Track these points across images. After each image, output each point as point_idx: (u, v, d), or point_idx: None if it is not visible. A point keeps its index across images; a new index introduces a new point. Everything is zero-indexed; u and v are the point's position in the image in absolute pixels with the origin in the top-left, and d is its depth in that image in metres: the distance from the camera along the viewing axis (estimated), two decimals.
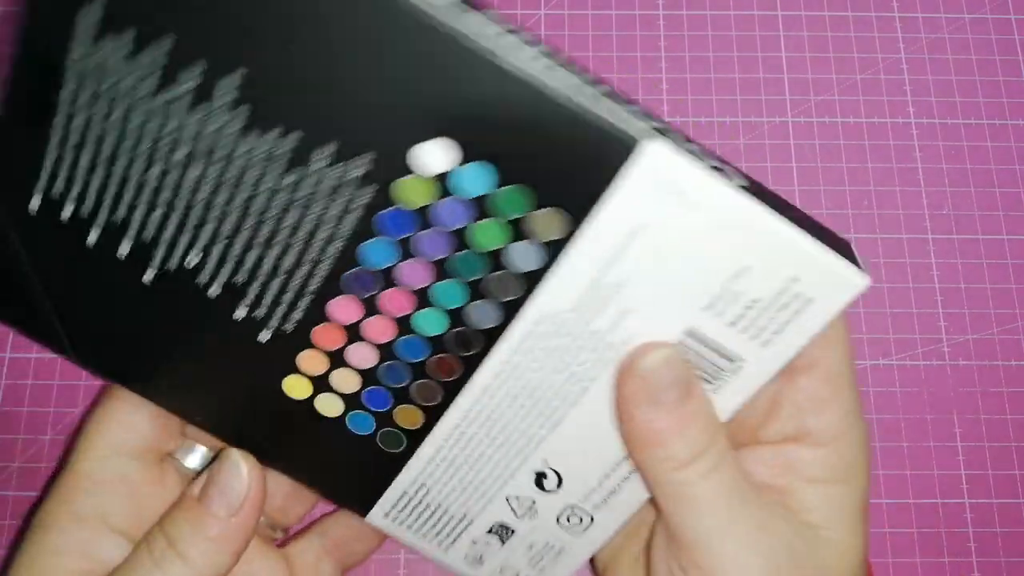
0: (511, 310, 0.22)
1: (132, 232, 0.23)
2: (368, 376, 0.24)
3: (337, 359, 0.24)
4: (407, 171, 0.20)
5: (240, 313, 0.23)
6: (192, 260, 0.23)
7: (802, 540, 0.22)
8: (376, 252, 0.22)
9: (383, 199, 0.21)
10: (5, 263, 0.24)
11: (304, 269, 0.22)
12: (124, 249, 0.23)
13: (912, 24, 0.43)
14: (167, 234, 0.23)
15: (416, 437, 0.25)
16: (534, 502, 0.26)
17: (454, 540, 0.28)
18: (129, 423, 0.27)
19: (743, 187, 0.21)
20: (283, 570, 0.29)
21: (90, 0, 0.19)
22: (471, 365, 0.23)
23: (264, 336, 0.24)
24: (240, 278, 0.23)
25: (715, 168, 0.21)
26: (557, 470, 0.25)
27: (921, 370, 0.39)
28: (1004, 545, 0.36)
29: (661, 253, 0.21)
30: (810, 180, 0.41)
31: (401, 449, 0.26)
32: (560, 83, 0.19)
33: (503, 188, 0.20)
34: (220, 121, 0.21)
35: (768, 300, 0.21)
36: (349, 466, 0.27)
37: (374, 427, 0.25)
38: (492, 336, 0.23)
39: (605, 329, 0.22)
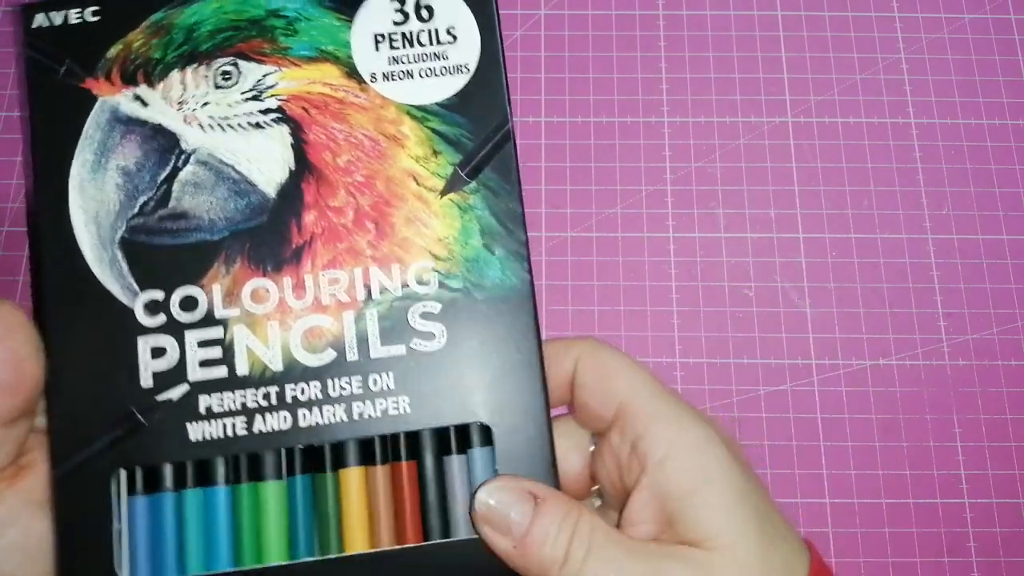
0: None
1: None
2: None
3: None
4: None
5: None
6: None
7: (695, 564, 0.23)
8: None
9: None
10: None
11: None
12: None
13: (912, 24, 0.43)
14: None
15: None
16: None
17: None
18: None
19: None
20: None
21: None
22: None
23: None
24: None
25: None
26: None
27: (921, 370, 0.39)
28: (1004, 545, 0.36)
29: None
30: (810, 180, 0.41)
31: None
32: None
33: None
34: None
35: None
36: None
37: None
38: None
39: None
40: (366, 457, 0.25)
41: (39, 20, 0.26)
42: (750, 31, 0.43)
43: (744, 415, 0.38)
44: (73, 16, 0.27)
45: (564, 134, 0.41)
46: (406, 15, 0.27)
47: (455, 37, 0.27)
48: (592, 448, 0.27)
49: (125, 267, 0.25)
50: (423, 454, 0.25)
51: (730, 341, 0.39)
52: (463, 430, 0.25)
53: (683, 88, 0.42)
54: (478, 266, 0.26)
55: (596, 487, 0.27)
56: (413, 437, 0.25)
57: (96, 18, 0.27)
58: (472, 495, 0.24)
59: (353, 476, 0.25)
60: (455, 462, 0.25)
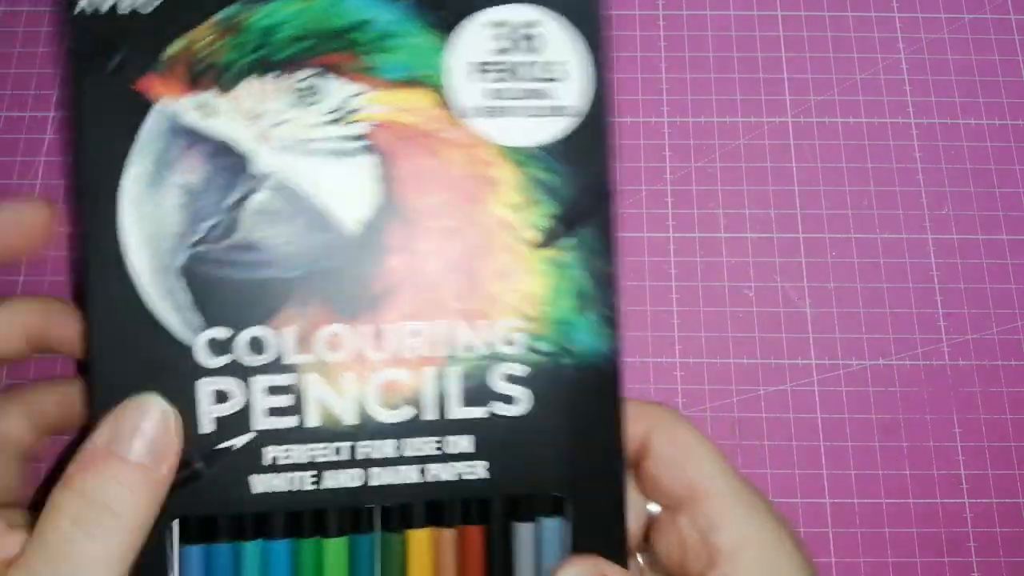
0: None
1: None
2: None
3: None
4: None
5: None
6: None
7: None
8: None
9: None
10: None
11: None
12: None
13: (912, 24, 0.43)
14: None
15: None
16: None
17: None
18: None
19: None
20: None
21: None
22: None
23: None
24: None
25: None
26: None
27: (921, 370, 0.39)
28: (1004, 545, 0.36)
29: None
30: (810, 180, 0.41)
31: None
32: None
33: None
34: None
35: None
36: None
37: None
38: None
39: None
40: (436, 518, 0.24)
41: (83, 4, 0.22)
42: (750, 31, 0.43)
43: (744, 415, 0.38)
44: (124, 3, 0.23)
45: None
46: (510, 43, 0.24)
47: (562, 74, 0.24)
48: (648, 513, 0.27)
49: (186, 299, 0.22)
50: (494, 520, 0.24)
51: (730, 341, 0.39)
52: (535, 497, 0.24)
53: (683, 88, 0.42)
54: (568, 329, 0.24)
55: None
56: (484, 501, 0.24)
57: (151, 8, 0.23)
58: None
59: (421, 538, 0.24)
60: (525, 531, 0.24)
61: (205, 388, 0.22)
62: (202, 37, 0.23)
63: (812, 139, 0.41)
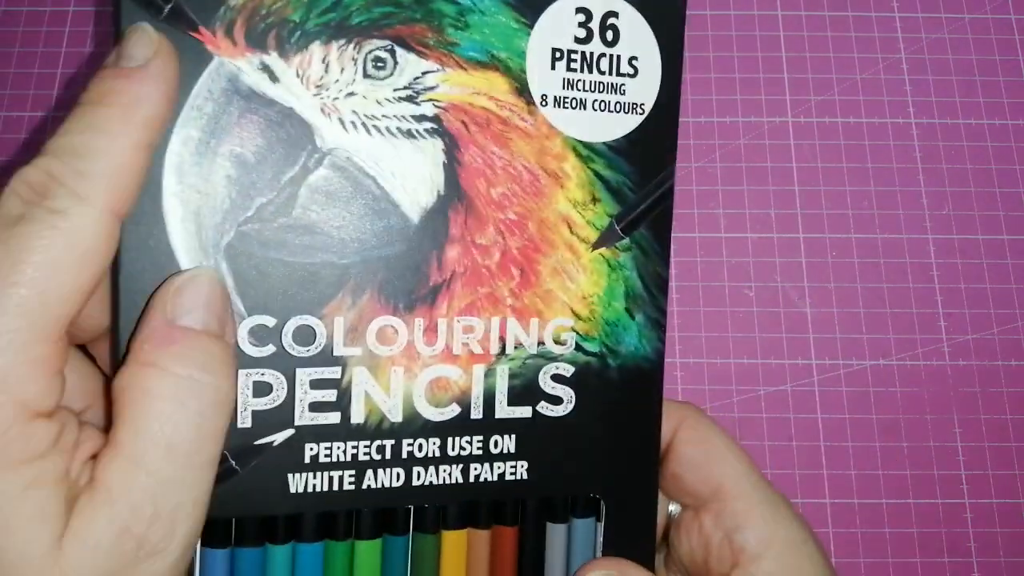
0: None
1: None
2: None
3: None
4: None
5: None
6: None
7: None
8: None
9: None
10: None
11: None
12: None
13: (912, 24, 0.43)
14: None
15: None
16: None
17: None
18: None
19: None
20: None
21: None
22: None
23: None
24: None
25: None
26: None
27: (921, 370, 0.39)
28: (1004, 545, 0.36)
29: None
30: (810, 180, 0.41)
31: None
32: None
33: None
34: None
35: None
36: None
37: None
38: None
39: None
40: (470, 518, 0.23)
41: None
42: (750, 31, 0.43)
43: (744, 415, 0.38)
44: None
45: None
46: (590, 32, 0.23)
47: (636, 70, 0.24)
48: (671, 511, 0.27)
49: (230, 281, 0.21)
50: (527, 520, 0.24)
51: (730, 341, 0.39)
52: (570, 498, 0.24)
53: (683, 88, 0.42)
54: (616, 330, 0.24)
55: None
56: (518, 501, 0.24)
57: None
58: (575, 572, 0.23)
59: (456, 539, 0.23)
60: (558, 532, 0.24)
61: (244, 379, 0.21)
62: None
63: (812, 139, 0.41)
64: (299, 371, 0.21)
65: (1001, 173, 0.41)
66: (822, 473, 0.37)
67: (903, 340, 0.39)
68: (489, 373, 0.23)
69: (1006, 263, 0.40)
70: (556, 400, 0.24)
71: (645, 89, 0.24)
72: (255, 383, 0.21)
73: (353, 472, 0.22)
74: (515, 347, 0.23)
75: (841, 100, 0.42)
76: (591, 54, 0.24)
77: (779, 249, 0.40)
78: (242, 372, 0.21)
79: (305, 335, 0.21)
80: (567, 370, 0.24)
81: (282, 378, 0.21)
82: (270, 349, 0.21)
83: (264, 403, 0.21)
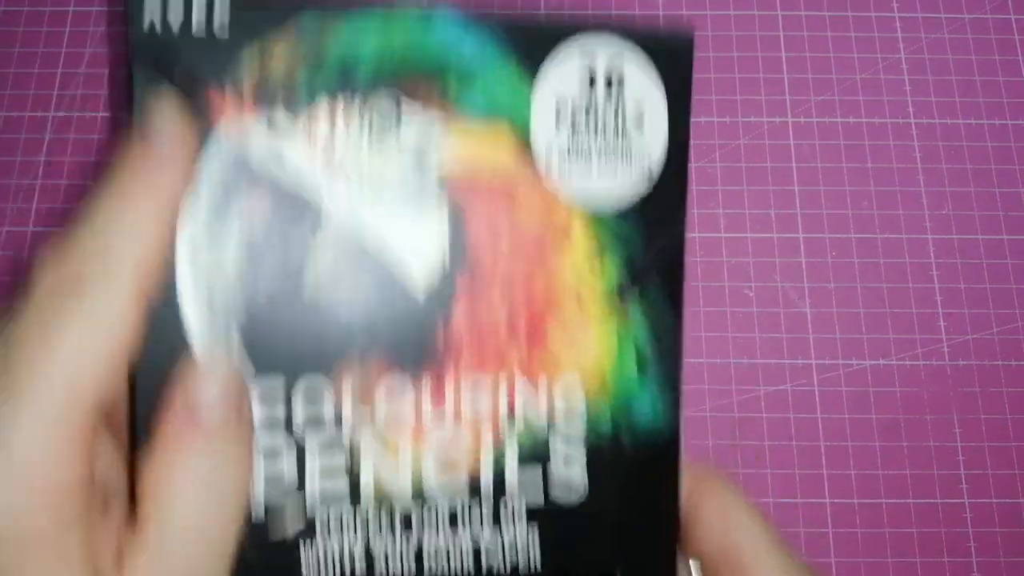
0: None
1: None
2: None
3: None
4: None
5: None
6: None
7: None
8: None
9: None
10: None
11: None
12: None
13: (912, 24, 0.43)
14: None
15: None
16: None
17: None
18: None
19: None
20: None
21: None
22: None
23: None
24: None
25: None
26: None
27: (921, 370, 0.39)
28: (1004, 545, 0.36)
29: None
30: (810, 180, 0.41)
31: None
32: None
33: None
34: None
35: None
36: None
37: None
38: None
39: None
40: None
41: (150, 18, 0.20)
42: (750, 31, 0.43)
43: (744, 415, 0.38)
44: (198, 22, 0.21)
45: None
46: (595, 91, 0.23)
47: (643, 127, 0.24)
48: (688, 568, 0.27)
49: (240, 347, 0.21)
50: None
51: (730, 341, 0.39)
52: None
53: None
54: (628, 388, 0.23)
55: None
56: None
57: (228, 33, 0.21)
58: None
59: None
60: None
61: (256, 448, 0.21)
62: (277, 56, 0.21)
63: (812, 139, 0.41)
64: (307, 433, 0.21)
65: (1001, 173, 0.41)
66: (822, 473, 0.37)
67: (903, 340, 0.39)
68: (499, 454, 0.23)
69: (1006, 263, 0.40)
70: (569, 486, 0.23)
71: (652, 147, 0.24)
72: (264, 446, 0.21)
73: (366, 560, 0.22)
74: (524, 412, 0.23)
75: (841, 100, 0.42)
76: (597, 112, 0.23)
77: (779, 249, 0.40)
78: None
79: (313, 395, 0.21)
80: (579, 454, 0.23)
81: (289, 440, 0.21)
82: (279, 410, 0.21)
83: (273, 467, 0.21)
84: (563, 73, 0.23)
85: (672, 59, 0.24)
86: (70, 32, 0.42)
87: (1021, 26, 0.43)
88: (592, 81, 0.23)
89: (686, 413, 0.38)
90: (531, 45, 0.23)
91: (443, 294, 0.22)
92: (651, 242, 0.24)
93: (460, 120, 0.22)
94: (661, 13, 0.44)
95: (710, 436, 0.38)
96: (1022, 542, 0.36)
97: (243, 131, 0.21)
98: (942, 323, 0.39)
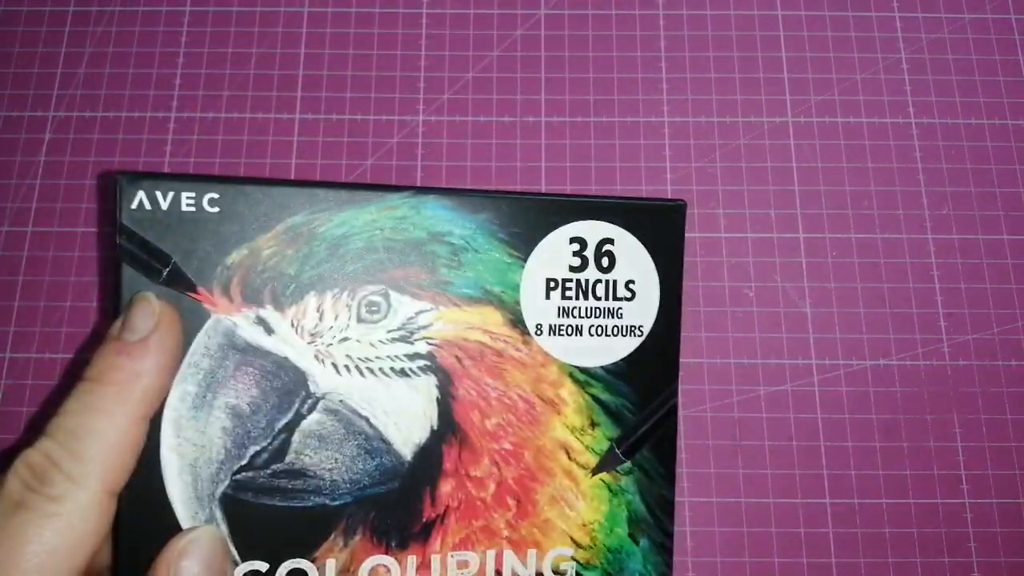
0: None
1: None
2: None
3: None
4: None
5: None
6: None
7: None
8: None
9: None
10: None
11: None
12: None
13: (912, 24, 0.43)
14: None
15: None
16: None
17: None
18: None
19: None
20: None
21: None
22: None
23: None
24: None
25: None
26: None
27: (921, 370, 0.39)
28: (1004, 545, 0.36)
29: None
30: (810, 180, 0.41)
31: None
32: None
33: None
34: None
35: None
36: None
37: None
38: None
39: None
40: None
41: (139, 198, 0.20)
42: (750, 31, 0.43)
43: (744, 415, 0.38)
44: (186, 201, 0.20)
45: (564, 134, 0.41)
46: (585, 260, 0.23)
47: (634, 293, 0.24)
48: None
49: (224, 528, 0.21)
50: None
51: (730, 341, 0.39)
52: None
53: (683, 88, 0.42)
54: (620, 557, 0.23)
55: None
56: None
57: (215, 209, 0.20)
58: None
59: None
60: None
61: None
62: (267, 246, 0.21)
63: (812, 139, 0.41)
64: None
65: (1001, 173, 0.41)
66: (822, 473, 0.37)
67: (903, 340, 0.39)
68: None
69: (1006, 263, 0.40)
70: None
71: (644, 311, 0.24)
72: None
73: None
74: None
75: (841, 100, 0.42)
76: (586, 281, 0.23)
77: (779, 249, 0.40)
78: None
79: None
80: None
81: None
82: None
83: None
84: (553, 253, 0.23)
85: (663, 231, 0.24)
86: (70, 32, 0.42)
87: (1021, 26, 0.43)
88: (582, 258, 0.23)
89: (685, 414, 0.38)
90: (521, 231, 0.22)
91: (430, 464, 0.22)
92: (643, 404, 0.23)
93: (449, 302, 0.22)
94: (661, 13, 0.44)
95: (710, 436, 0.38)
96: (1022, 542, 0.36)
97: (232, 322, 0.21)
98: (942, 323, 0.39)
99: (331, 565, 0.21)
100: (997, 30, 0.43)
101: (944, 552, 0.36)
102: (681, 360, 0.39)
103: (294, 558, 0.21)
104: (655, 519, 0.23)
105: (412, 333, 0.22)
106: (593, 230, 0.23)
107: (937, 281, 0.40)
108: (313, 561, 0.21)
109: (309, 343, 0.21)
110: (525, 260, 0.23)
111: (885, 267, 0.40)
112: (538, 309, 0.23)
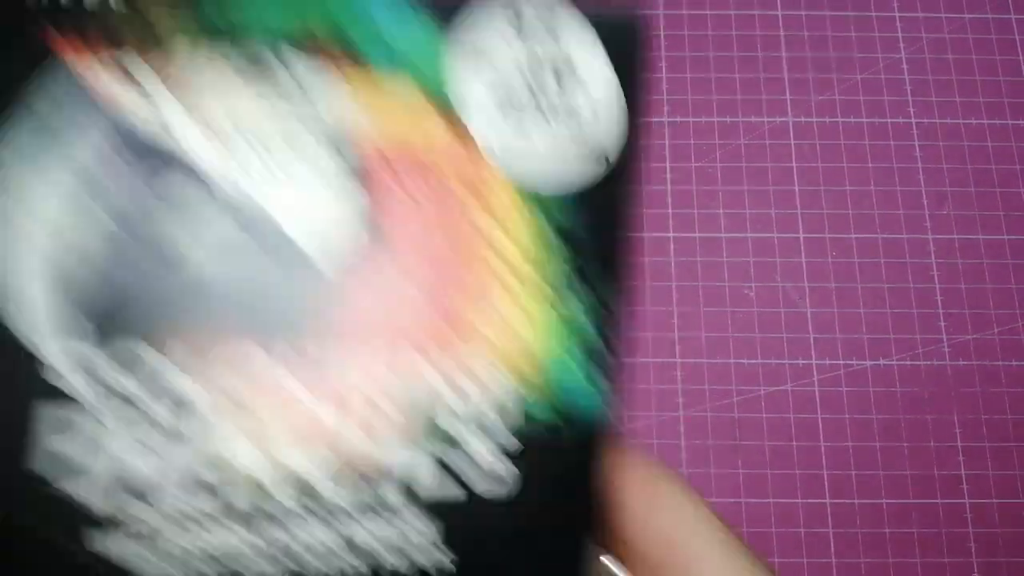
0: None
1: None
2: None
3: None
4: None
5: None
6: None
7: None
8: None
9: None
10: None
11: None
12: None
13: (912, 24, 0.43)
14: None
15: None
16: None
17: None
18: None
19: None
20: None
21: None
22: None
23: None
24: None
25: None
26: None
27: (921, 370, 0.39)
28: (1004, 545, 0.36)
29: None
30: (810, 180, 0.41)
31: None
32: None
33: None
34: None
35: None
36: None
37: None
38: None
39: None
40: None
41: None
42: (750, 31, 0.43)
43: (744, 415, 0.38)
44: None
45: None
46: (539, 77, 0.19)
47: (595, 115, 0.20)
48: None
49: (46, 299, 0.17)
50: None
51: (730, 341, 0.39)
52: None
53: (683, 88, 0.42)
54: (567, 391, 0.21)
55: None
56: None
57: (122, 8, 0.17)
58: None
59: None
60: None
61: (46, 412, 0.17)
62: (156, 22, 0.17)
63: (812, 139, 0.41)
64: (118, 403, 0.17)
65: (1001, 173, 0.41)
66: (822, 473, 0.37)
67: (903, 340, 0.39)
68: (412, 444, 0.19)
69: (1006, 263, 0.40)
70: (497, 479, 0.20)
71: (604, 136, 0.22)
72: (58, 417, 0.17)
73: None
74: (446, 412, 0.20)
75: (841, 100, 0.42)
76: (541, 97, 0.20)
77: (779, 249, 0.40)
78: (43, 402, 0.17)
79: (131, 359, 0.17)
80: (508, 442, 0.20)
81: (92, 411, 0.17)
82: (84, 376, 0.17)
83: (67, 443, 0.17)
84: (490, 33, 0.19)
85: (623, 52, 0.22)
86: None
87: (1021, 26, 0.43)
88: (535, 74, 0.20)
89: (685, 414, 0.38)
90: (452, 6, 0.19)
91: (348, 275, 0.19)
92: (599, 230, 0.21)
93: (372, 82, 0.19)
94: (661, 13, 0.44)
95: (710, 436, 0.38)
96: (1022, 542, 0.36)
97: (85, 69, 0.17)
98: (943, 323, 0.39)
99: (181, 348, 0.17)
100: (997, 30, 0.43)
101: (944, 552, 0.36)
102: (681, 360, 0.39)
103: (129, 335, 0.17)
104: (606, 352, 0.21)
105: (331, 118, 0.19)
106: (550, 46, 0.20)
107: (937, 281, 0.40)
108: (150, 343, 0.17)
109: (199, 118, 0.17)
110: (450, 34, 0.19)
111: (885, 267, 0.40)
112: (486, 123, 0.19)
